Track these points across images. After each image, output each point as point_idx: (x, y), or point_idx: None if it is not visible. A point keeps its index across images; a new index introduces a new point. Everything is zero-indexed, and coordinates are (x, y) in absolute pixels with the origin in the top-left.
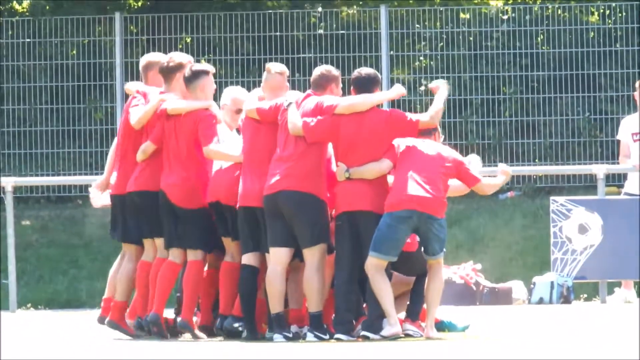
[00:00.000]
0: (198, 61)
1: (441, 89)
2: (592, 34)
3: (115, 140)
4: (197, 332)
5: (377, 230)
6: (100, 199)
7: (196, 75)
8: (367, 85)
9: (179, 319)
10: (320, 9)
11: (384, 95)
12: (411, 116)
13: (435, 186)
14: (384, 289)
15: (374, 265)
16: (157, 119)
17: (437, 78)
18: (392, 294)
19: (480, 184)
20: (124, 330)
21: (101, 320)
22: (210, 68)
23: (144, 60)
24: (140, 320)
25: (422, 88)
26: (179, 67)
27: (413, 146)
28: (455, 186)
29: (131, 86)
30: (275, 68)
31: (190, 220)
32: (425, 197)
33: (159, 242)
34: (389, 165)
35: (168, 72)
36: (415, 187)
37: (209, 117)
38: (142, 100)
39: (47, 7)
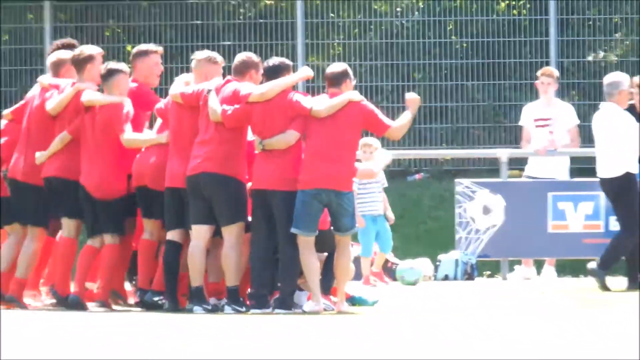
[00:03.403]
0: (123, 48)
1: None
2: (499, 25)
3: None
4: (91, 307)
5: (295, 207)
6: None
7: (111, 73)
8: (275, 73)
9: (70, 295)
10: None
11: (290, 79)
12: (308, 103)
13: (341, 157)
14: (310, 266)
15: (301, 241)
16: (73, 109)
17: (351, 65)
18: (319, 272)
19: (391, 129)
20: (21, 305)
21: None
22: (125, 67)
23: (54, 57)
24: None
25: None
26: (90, 58)
27: (317, 116)
28: (363, 170)
29: (44, 79)
30: (201, 55)
31: (108, 210)
32: (331, 174)
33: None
34: (294, 135)
35: (80, 64)
36: (322, 164)
37: (121, 109)
38: (56, 92)
39: None
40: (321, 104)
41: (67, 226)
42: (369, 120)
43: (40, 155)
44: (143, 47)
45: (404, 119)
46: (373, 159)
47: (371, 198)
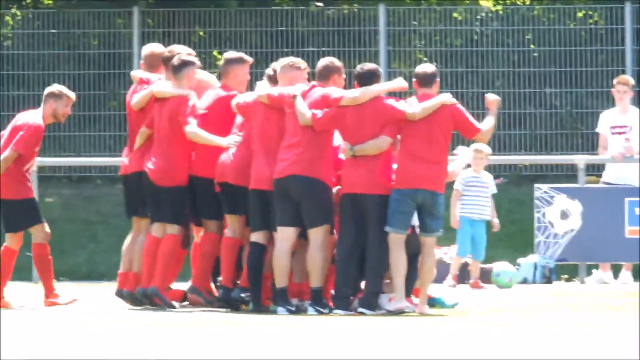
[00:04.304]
0: (209, 53)
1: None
2: (576, 33)
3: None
4: (170, 301)
5: (389, 205)
6: None
7: (183, 65)
8: (368, 79)
9: (150, 288)
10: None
11: (384, 87)
12: (402, 107)
13: (436, 159)
14: (399, 263)
15: (391, 239)
16: (152, 103)
17: None
18: (405, 271)
19: (481, 132)
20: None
21: (119, 293)
22: (197, 60)
23: (146, 49)
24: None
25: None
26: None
27: (412, 119)
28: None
29: (137, 73)
30: (284, 61)
31: (167, 198)
32: (427, 175)
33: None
34: (387, 141)
35: (168, 62)
36: (418, 165)
37: (187, 102)
38: (146, 86)
39: (73, 3)
40: (415, 106)
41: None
42: (461, 122)
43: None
44: (238, 54)
45: (490, 122)
46: (483, 165)
47: (473, 201)
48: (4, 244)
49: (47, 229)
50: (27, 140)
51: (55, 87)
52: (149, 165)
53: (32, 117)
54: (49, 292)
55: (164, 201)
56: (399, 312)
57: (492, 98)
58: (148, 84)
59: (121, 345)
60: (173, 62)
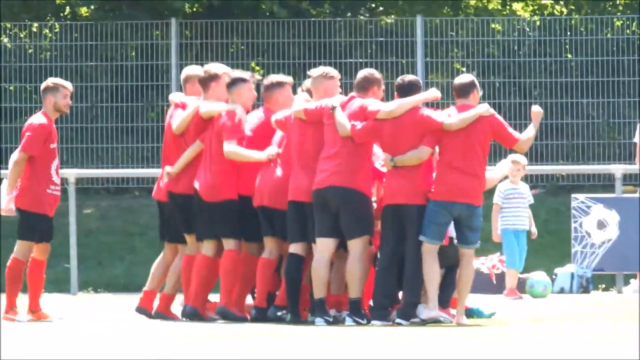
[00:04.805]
0: (247, 65)
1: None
2: (613, 43)
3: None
4: (242, 315)
5: (425, 216)
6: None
7: (234, 82)
8: (408, 90)
9: (218, 308)
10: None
11: (418, 98)
12: (439, 118)
13: (474, 171)
14: (432, 273)
15: (425, 249)
16: (195, 126)
17: None
18: (438, 280)
19: (520, 141)
20: (170, 319)
21: (139, 310)
22: (248, 76)
23: (183, 73)
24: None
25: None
26: (214, 77)
27: (449, 130)
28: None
29: (174, 97)
30: (316, 72)
31: (219, 212)
32: (465, 187)
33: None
34: (427, 151)
35: (204, 82)
36: (456, 177)
37: (231, 118)
38: (180, 110)
39: (111, 15)
40: (452, 117)
41: (193, 243)
42: (500, 132)
43: (170, 169)
44: (276, 78)
45: (530, 132)
46: (519, 177)
47: (514, 213)
48: (31, 255)
49: (33, 250)
50: (33, 139)
51: (50, 81)
52: (198, 183)
53: (35, 117)
54: (9, 307)
55: (216, 216)
56: (432, 321)
57: (535, 110)
58: (183, 109)
59: (160, 355)
60: (225, 80)
